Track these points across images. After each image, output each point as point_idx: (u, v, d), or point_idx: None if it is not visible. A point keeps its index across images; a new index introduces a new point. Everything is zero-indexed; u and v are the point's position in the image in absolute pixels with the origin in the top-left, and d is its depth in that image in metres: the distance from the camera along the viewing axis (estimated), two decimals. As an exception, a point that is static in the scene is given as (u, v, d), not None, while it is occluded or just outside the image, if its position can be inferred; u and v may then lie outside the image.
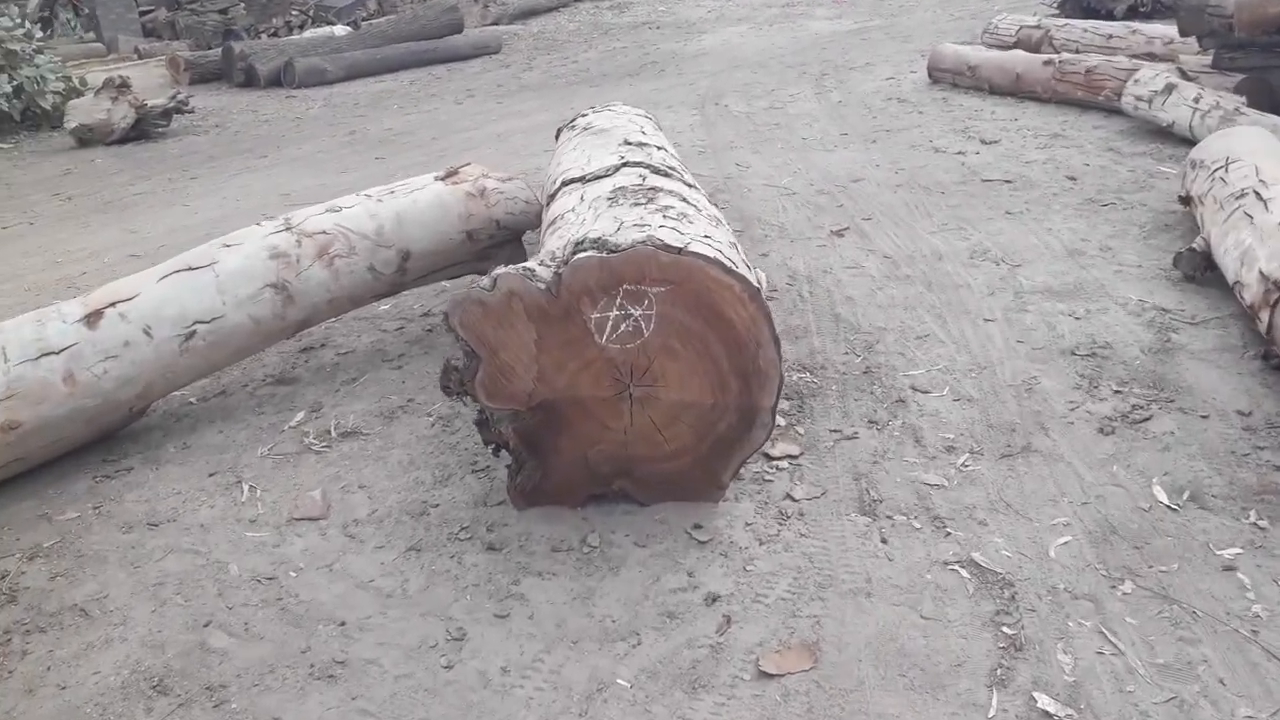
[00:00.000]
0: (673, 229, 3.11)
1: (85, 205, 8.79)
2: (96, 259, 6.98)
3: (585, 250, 2.97)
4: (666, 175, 4.12)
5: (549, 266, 2.99)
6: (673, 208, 3.44)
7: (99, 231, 7.77)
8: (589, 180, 4.26)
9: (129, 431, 4.26)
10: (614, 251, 2.92)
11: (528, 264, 3.03)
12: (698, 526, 3.24)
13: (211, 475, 3.85)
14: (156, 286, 4.10)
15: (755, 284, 2.98)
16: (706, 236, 3.15)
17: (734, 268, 2.95)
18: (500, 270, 2.98)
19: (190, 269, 4.19)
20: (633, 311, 2.98)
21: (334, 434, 4.10)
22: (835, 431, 3.79)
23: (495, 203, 4.94)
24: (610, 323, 3.00)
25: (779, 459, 3.63)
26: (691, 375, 3.07)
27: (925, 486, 3.40)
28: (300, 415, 4.30)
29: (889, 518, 3.24)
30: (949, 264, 5.51)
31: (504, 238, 4.99)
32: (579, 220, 3.52)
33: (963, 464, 3.52)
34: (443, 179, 4.91)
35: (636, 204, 3.50)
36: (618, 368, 3.06)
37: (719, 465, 3.27)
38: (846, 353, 4.49)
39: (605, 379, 3.08)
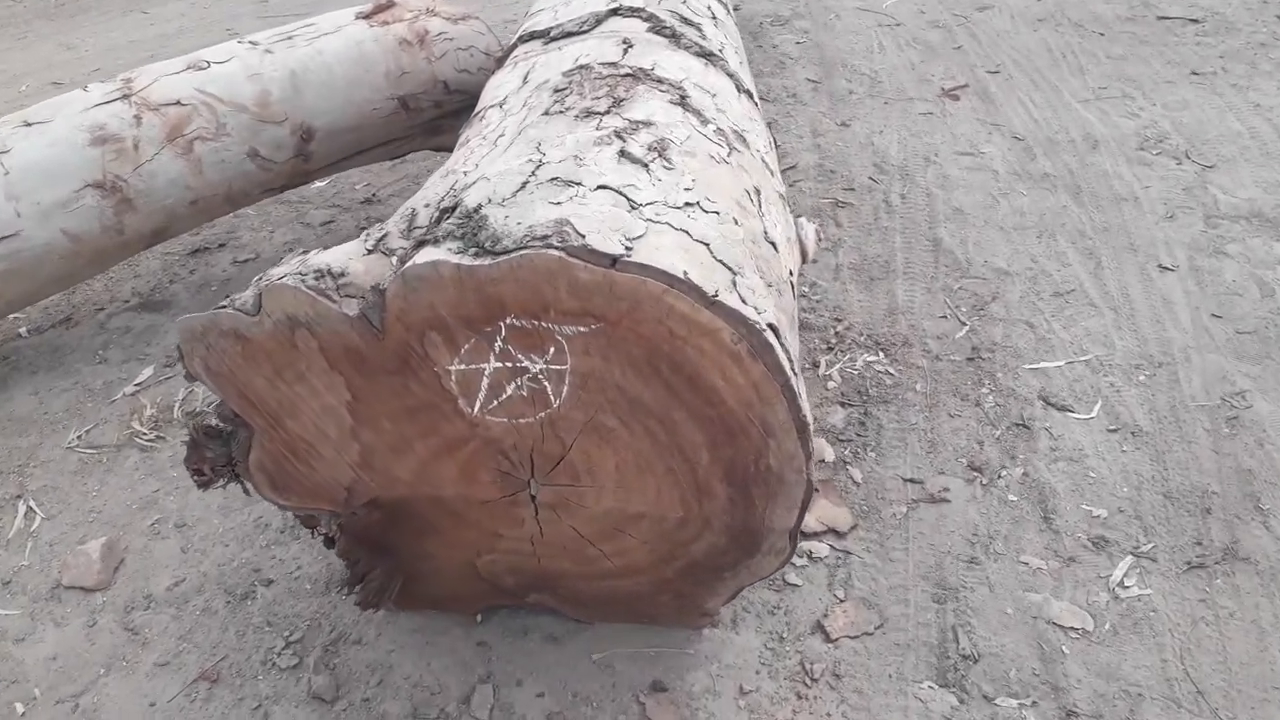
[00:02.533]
0: (623, 191, 1.60)
1: (34, 7, 7.34)
2: (12, 86, 5.62)
3: (439, 243, 1.50)
4: (673, 40, 2.51)
5: (367, 273, 1.54)
6: (652, 127, 1.91)
7: (33, 45, 6.37)
8: (553, 39, 2.69)
9: (-79, 381, 3.04)
10: (489, 252, 1.45)
11: (333, 258, 1.58)
12: (658, 689, 1.91)
13: (-12, 478, 2.62)
14: (-91, 189, 2.74)
15: (759, 326, 1.49)
16: (691, 214, 1.64)
17: (717, 296, 1.46)
18: (273, 275, 1.55)
19: (-35, 161, 2.80)
20: (528, 364, 1.54)
21: (177, 416, 2.81)
22: (913, 483, 2.35)
23: (441, 54, 3.39)
24: (487, 381, 1.56)
25: (816, 536, 2.22)
26: (641, 473, 1.65)
27: (1054, 630, 1.98)
28: (146, 374, 3.01)
29: (987, 698, 1.85)
30: (1107, 158, 3.80)
31: (456, 105, 3.46)
32: (486, 142, 2.02)
33: (1121, 582, 2.07)
34: (366, 16, 3.35)
35: (589, 114, 1.97)
36: (505, 454, 1.65)
37: (699, 591, 1.89)
38: (945, 315, 2.96)
39: (484, 471, 1.68)
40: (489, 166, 1.82)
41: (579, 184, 1.62)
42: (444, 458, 1.67)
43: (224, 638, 2.12)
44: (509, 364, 1.54)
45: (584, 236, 1.45)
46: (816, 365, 2.78)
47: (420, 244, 1.55)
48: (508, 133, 2.02)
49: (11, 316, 3.34)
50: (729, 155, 1.98)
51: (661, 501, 1.69)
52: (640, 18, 2.71)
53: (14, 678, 2.08)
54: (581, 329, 1.49)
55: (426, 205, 1.77)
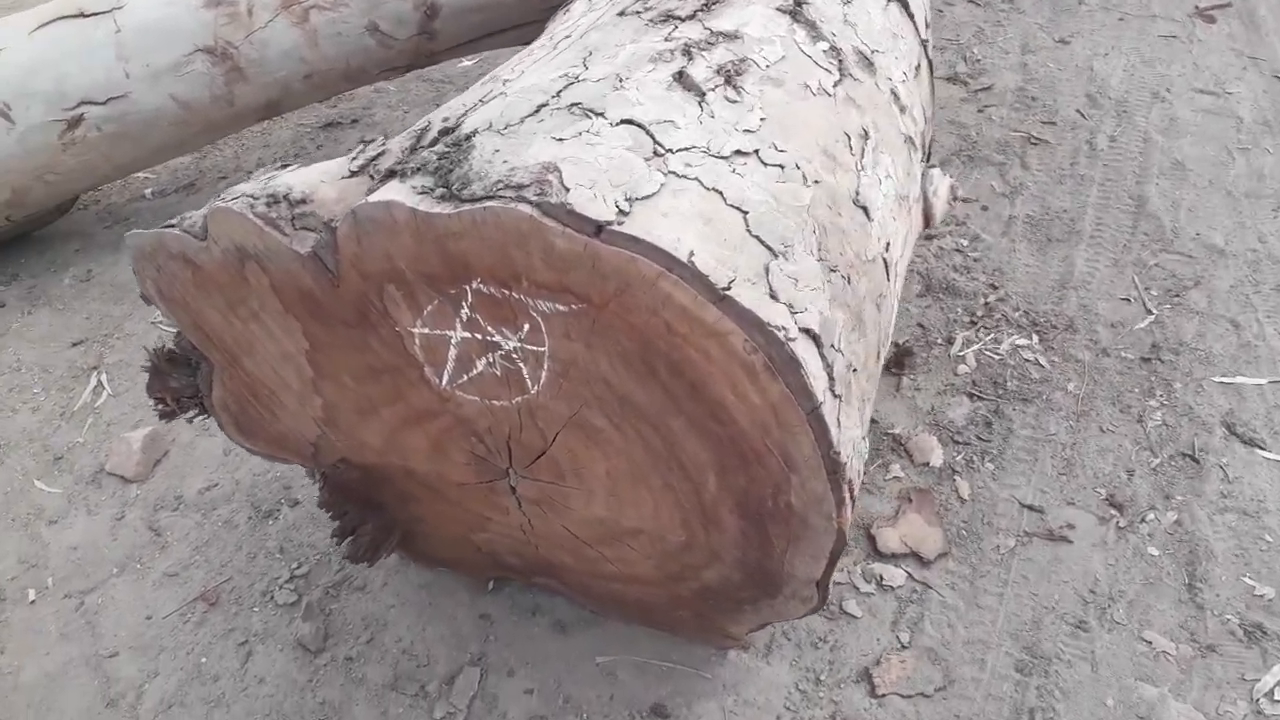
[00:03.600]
0: (650, 130, 1.25)
1: None
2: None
3: (407, 176, 1.21)
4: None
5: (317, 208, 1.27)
6: (736, 42, 1.53)
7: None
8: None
9: (54, 231, 3.09)
10: (455, 196, 1.14)
11: (299, 179, 1.31)
12: (659, 713, 1.64)
13: (75, 345, 2.62)
14: (26, 43, 2.70)
15: (785, 334, 1.12)
16: (738, 166, 1.27)
17: (730, 289, 1.09)
18: (224, 197, 1.31)
19: (81, 15, 2.73)
20: (499, 340, 1.24)
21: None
22: (1032, 511, 1.91)
23: (588, -70, 2.99)
24: (454, 352, 1.28)
25: (895, 558, 1.85)
26: (635, 485, 1.34)
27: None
28: (243, 252, 2.90)
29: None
30: (1400, 114, 2.99)
31: (597, -8, 3.07)
32: (549, 44, 1.69)
33: (1271, 693, 1.60)
34: (507, -119, 3.00)
35: (667, 18, 1.60)
36: (479, 437, 1.37)
37: (719, 616, 1.58)
38: (1128, 298, 2.41)
39: (457, 451, 1.41)
40: (524, 78, 1.48)
41: (600, 115, 1.27)
42: (413, 428, 1.41)
43: (235, 557, 2.00)
44: (478, 336, 1.25)
45: (568, 190, 1.11)
46: (950, 341, 2.32)
47: (389, 174, 1.26)
48: (573, 34, 1.67)
49: (141, 175, 3.33)
50: (836, 85, 1.56)
51: (660, 520, 1.37)
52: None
53: (35, 561, 2.05)
54: (560, 307, 1.17)
55: (444, 119, 1.47)
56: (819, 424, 1.16)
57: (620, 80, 1.38)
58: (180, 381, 1.49)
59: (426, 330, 1.27)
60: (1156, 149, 2.98)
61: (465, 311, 1.23)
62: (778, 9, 1.66)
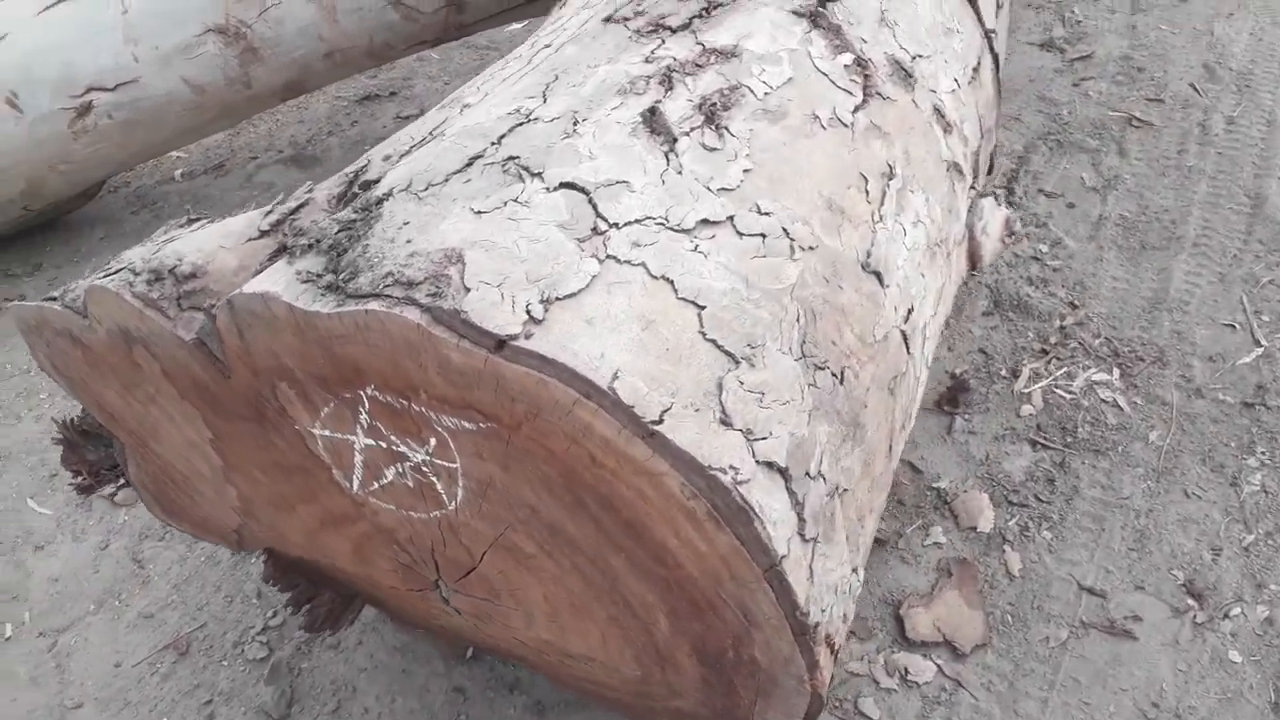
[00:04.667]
0: (595, 196, 1.01)
1: None
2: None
3: (296, 256, 1.00)
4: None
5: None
6: (731, 62, 1.27)
7: None
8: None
9: (82, 217, 3.02)
10: (338, 289, 0.92)
11: (191, 247, 1.12)
12: (634, 825, 1.45)
13: (87, 343, 2.51)
14: (32, 26, 2.57)
15: (733, 478, 0.87)
16: (704, 239, 1.02)
17: (662, 422, 0.85)
18: (104, 271, 1.13)
19: (88, -5, 2.58)
20: (406, 452, 1.03)
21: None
22: (1092, 595, 1.64)
23: (629, -112, 2.69)
24: (360, 459, 1.08)
25: (925, 647, 1.60)
26: (578, 615, 1.13)
27: None
28: (263, 244, 2.76)
29: None
30: None
31: (639, -43, 2.78)
32: (524, 57, 1.45)
33: None
34: None
35: (656, 28, 1.36)
36: (402, 547, 1.17)
37: (700, 729, 1.36)
38: (1234, 324, 2.06)
39: (382, 558, 1.22)
40: (477, 109, 1.25)
41: (537, 175, 1.04)
42: (331, 530, 1.22)
43: (213, 599, 1.88)
44: (382, 444, 1.04)
45: (468, 291, 0.89)
46: (1015, 374, 2.02)
47: (278, 252, 1.05)
48: (554, 43, 1.43)
49: (174, 155, 3.22)
50: (857, 110, 1.28)
51: (609, 652, 1.16)
52: None
53: (16, 593, 1.97)
54: (467, 425, 0.95)
55: (385, 157, 1.26)
56: (779, 582, 0.93)
57: (576, 122, 1.13)
58: (96, 454, 1.33)
59: (327, 433, 1.07)
60: (1283, 134, 2.56)
61: (365, 418, 1.02)
62: (794, 11, 1.38)
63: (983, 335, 2.13)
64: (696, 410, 0.90)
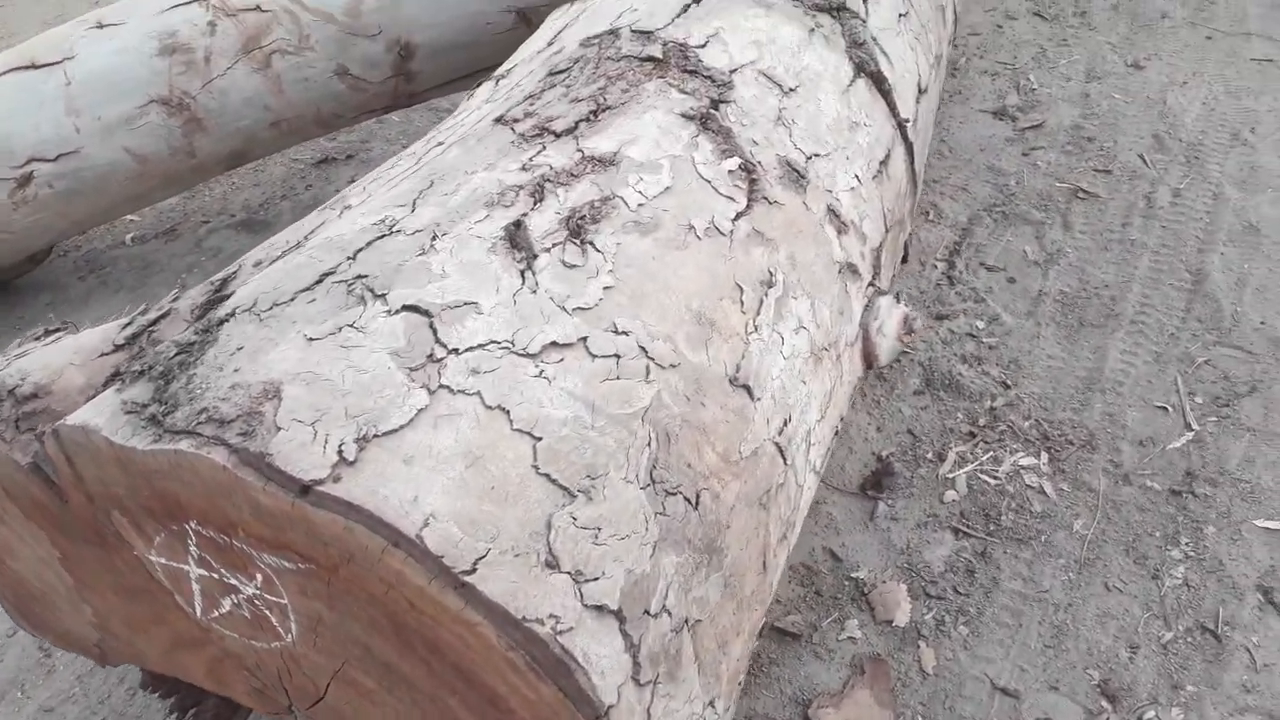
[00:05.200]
0: (438, 320, 0.99)
1: None
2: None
3: (127, 384, 0.98)
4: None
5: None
6: (609, 171, 1.27)
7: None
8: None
9: (30, 282, 3.01)
10: (157, 423, 0.90)
11: (36, 363, 1.10)
12: None
13: None
14: (-25, 95, 2.57)
15: (551, 629, 0.84)
16: (551, 363, 1.00)
17: (475, 571, 0.83)
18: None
19: (33, 67, 2.59)
20: (237, 584, 1.00)
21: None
22: (1005, 696, 1.61)
23: (573, -39, 2.71)
24: (197, 587, 1.05)
25: (830, 746, 1.56)
26: (429, 747, 1.08)
27: None
28: (206, 312, 2.74)
29: None
30: None
31: (585, 28, 2.79)
32: (414, 155, 1.45)
33: None
34: (486, -90, 2.74)
35: (540, 132, 1.35)
36: (251, 672, 1.13)
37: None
38: (1166, 406, 2.04)
39: (236, 680, 1.19)
40: (351, 214, 1.24)
41: (381, 296, 1.02)
42: (185, 651, 1.19)
43: (115, 692, 1.84)
44: (214, 575, 1.01)
45: (279, 431, 0.86)
46: (941, 458, 1.99)
47: (114, 377, 1.03)
48: (446, 141, 1.42)
49: (127, 219, 3.22)
50: (738, 218, 1.26)
51: (465, 783, 1.12)
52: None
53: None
54: (287, 564, 0.92)
55: (256, 262, 1.24)
56: (612, 740, 0.89)
57: (435, 237, 1.12)
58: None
59: (164, 560, 1.04)
60: (1228, 207, 2.55)
61: (194, 549, 1.00)
62: (683, 115, 1.37)
63: (912, 415, 2.11)
64: (517, 555, 0.88)
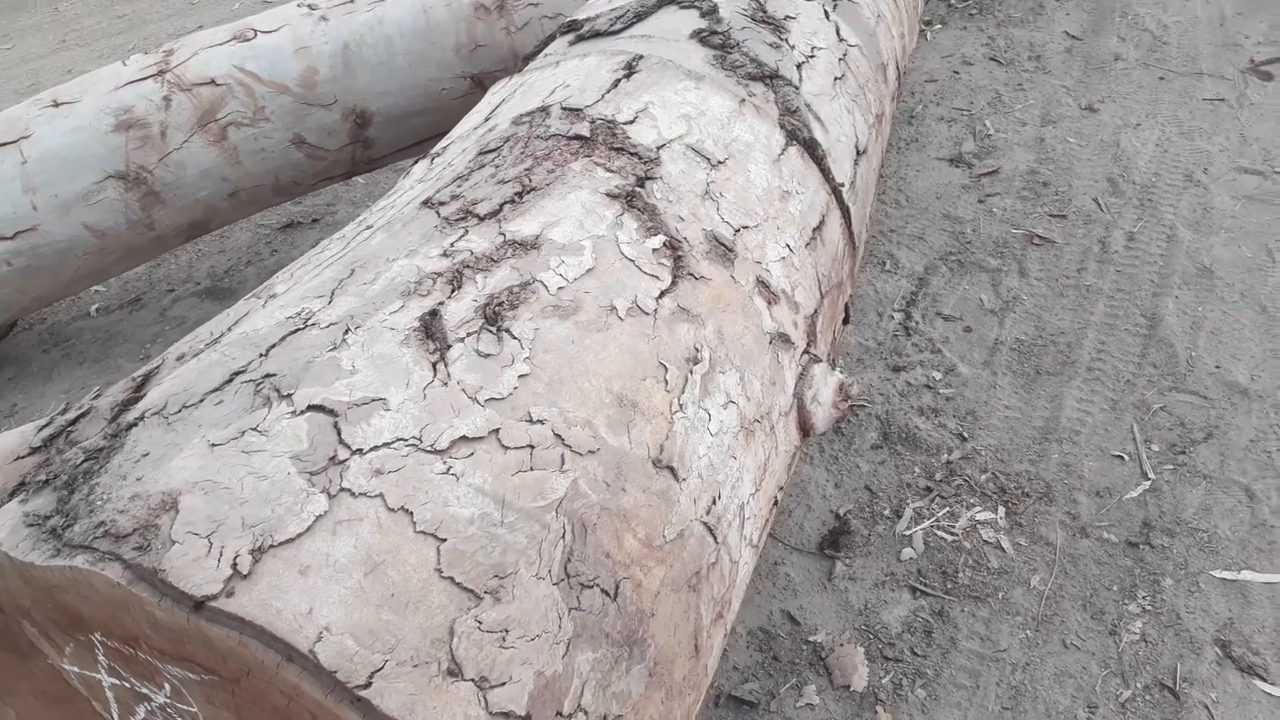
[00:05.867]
0: (343, 418, 0.98)
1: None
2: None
3: (31, 494, 0.96)
4: (719, 54, 1.77)
5: None
6: (530, 255, 1.27)
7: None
8: (581, 37, 2.00)
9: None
10: (56, 535, 0.89)
11: None
12: None
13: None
14: (-70, 177, 2.58)
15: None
16: (460, 459, 0.99)
17: (370, 685, 0.81)
18: None
19: (-12, 146, 2.60)
20: (149, 694, 0.98)
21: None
22: (960, 763, 1.57)
23: (524, 23, 2.77)
24: (112, 695, 1.03)
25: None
26: None
27: None
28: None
29: None
30: None
31: (539, 91, 2.82)
32: (345, 239, 1.44)
33: None
34: (437, -21, 2.78)
35: (465, 215, 1.36)
36: (176, 779, 1.11)
37: None
38: (1122, 454, 2.03)
39: (161, 786, 1.16)
40: (274, 304, 1.24)
41: (287, 397, 1.01)
42: (107, 755, 1.16)
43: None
44: (126, 684, 0.99)
45: (173, 544, 0.85)
46: (898, 515, 1.98)
47: (20, 487, 1.02)
48: (374, 224, 1.42)
49: (93, 289, 3.22)
50: (663, 295, 1.27)
51: None
52: (699, 11, 1.93)
53: None
54: (192, 676, 0.91)
55: (179, 358, 1.24)
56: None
57: (348, 330, 1.11)
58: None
59: (76, 669, 1.03)
60: (1181, 250, 2.56)
61: (103, 659, 0.98)
62: (608, 194, 1.37)
63: (870, 471, 2.10)
64: (416, 665, 0.86)
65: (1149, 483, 1.98)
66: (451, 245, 1.27)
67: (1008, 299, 2.51)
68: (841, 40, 2.04)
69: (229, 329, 1.25)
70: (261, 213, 3.44)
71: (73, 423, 1.15)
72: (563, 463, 1.06)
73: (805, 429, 1.45)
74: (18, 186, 2.58)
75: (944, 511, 1.97)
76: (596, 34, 1.97)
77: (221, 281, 3.17)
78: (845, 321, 1.80)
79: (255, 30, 2.72)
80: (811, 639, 1.80)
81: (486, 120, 1.72)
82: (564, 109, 1.58)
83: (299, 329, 1.14)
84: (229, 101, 2.66)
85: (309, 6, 2.77)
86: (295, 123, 2.72)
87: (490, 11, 2.75)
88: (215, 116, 2.66)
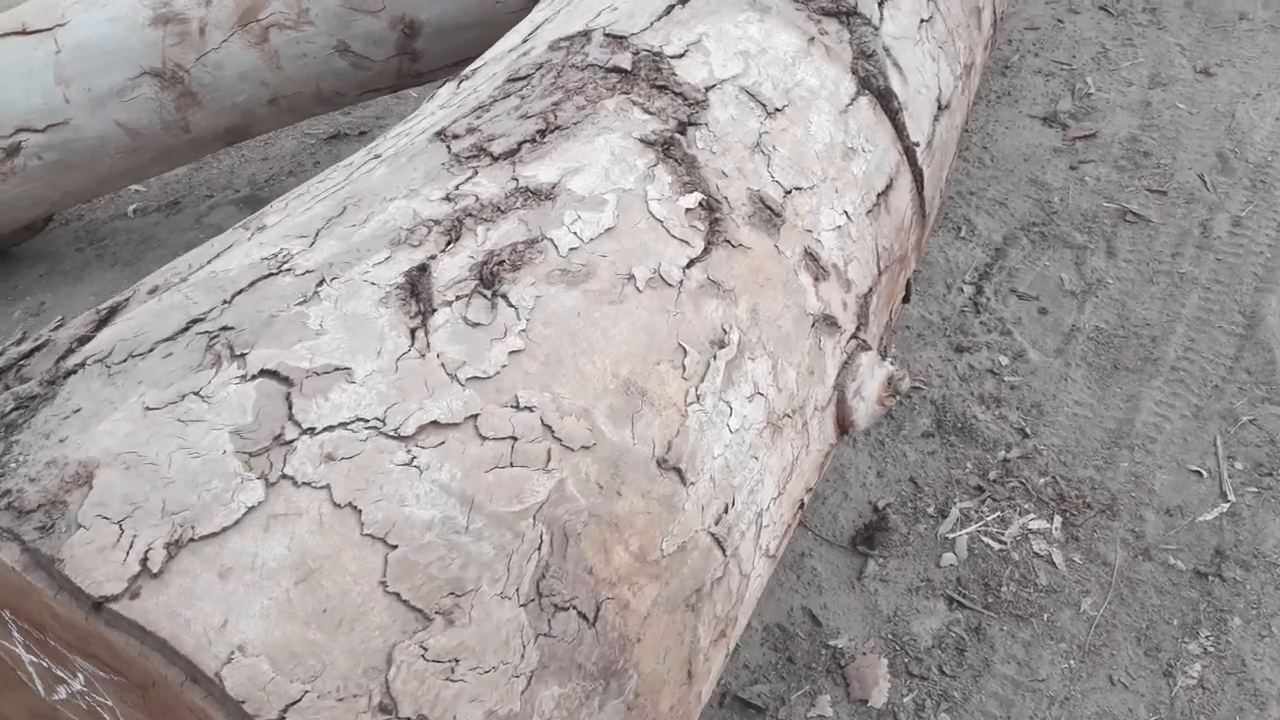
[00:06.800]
0: (299, 387, 0.84)
1: None
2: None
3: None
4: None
5: None
6: (544, 206, 1.10)
7: None
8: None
9: (26, 250, 2.94)
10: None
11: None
12: None
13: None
14: (-37, 60, 2.48)
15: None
16: (428, 447, 0.85)
17: (285, 717, 0.69)
18: None
19: (23, 33, 2.49)
20: (66, 678, 0.87)
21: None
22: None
23: (591, -60, 2.53)
24: (33, 670, 0.92)
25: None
26: None
27: None
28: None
29: None
30: None
31: None
32: (353, 165, 1.29)
33: None
34: (501, -119, 2.57)
35: (478, 153, 1.19)
36: (105, 756, 1.01)
37: None
38: (1201, 470, 1.83)
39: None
40: (250, 244, 1.10)
41: (241, 356, 0.87)
42: (41, 720, 1.07)
43: None
44: (44, 663, 0.88)
45: (78, 529, 0.73)
46: (943, 514, 1.81)
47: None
48: (383, 153, 1.27)
49: (132, 189, 3.13)
50: (692, 264, 1.11)
51: None
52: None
53: None
54: (101, 674, 0.79)
55: (151, 291, 1.11)
56: None
57: (323, 281, 0.97)
58: None
59: (3, 643, 0.92)
60: (1293, 242, 2.30)
61: (18, 636, 0.87)
62: (642, 139, 1.20)
63: (917, 461, 1.92)
64: (341, 699, 0.73)
65: (1228, 505, 1.78)
66: (456, 187, 1.11)
67: (1091, 281, 2.29)
68: (938, -24, 1.81)
69: (207, 263, 1.11)
70: (308, 121, 3.30)
71: (26, 355, 1.03)
72: (549, 459, 0.91)
73: (844, 426, 1.29)
74: (50, 77, 2.47)
75: (994, 516, 1.79)
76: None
77: (261, 191, 3.06)
78: (906, 300, 1.61)
79: (303, -73, 2.54)
80: (832, 643, 1.66)
81: (525, 42, 1.54)
82: (607, 35, 1.40)
83: (271, 274, 1.00)
84: (272, 2, 2.50)
85: (362, -95, 2.58)
86: (340, 29, 2.56)
87: (555, -79, 2.53)
88: (257, 16, 2.50)
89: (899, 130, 1.52)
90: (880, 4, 1.63)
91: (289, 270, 1.01)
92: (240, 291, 0.98)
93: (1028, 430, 1.95)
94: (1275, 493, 1.79)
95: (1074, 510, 1.79)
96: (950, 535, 1.78)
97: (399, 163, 1.20)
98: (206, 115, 2.59)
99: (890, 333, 1.58)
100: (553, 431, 0.93)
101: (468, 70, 1.55)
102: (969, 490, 1.85)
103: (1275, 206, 2.42)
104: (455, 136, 1.23)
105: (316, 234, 1.07)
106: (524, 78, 1.35)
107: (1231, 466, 1.84)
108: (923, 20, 1.70)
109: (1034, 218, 2.49)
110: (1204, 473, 1.84)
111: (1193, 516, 1.77)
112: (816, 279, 1.26)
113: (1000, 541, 1.76)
